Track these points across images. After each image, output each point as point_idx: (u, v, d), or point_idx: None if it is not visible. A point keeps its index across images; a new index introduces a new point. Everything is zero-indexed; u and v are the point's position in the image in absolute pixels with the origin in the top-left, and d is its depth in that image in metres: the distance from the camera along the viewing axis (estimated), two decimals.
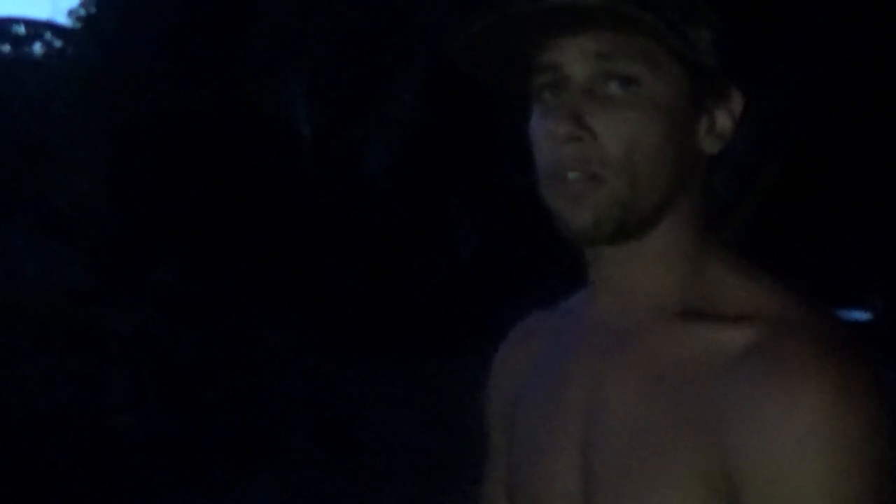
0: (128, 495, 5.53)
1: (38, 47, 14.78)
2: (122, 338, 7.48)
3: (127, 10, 9.86)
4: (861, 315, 5.73)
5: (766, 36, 4.90)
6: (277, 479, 5.78)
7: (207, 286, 8.36)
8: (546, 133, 0.96)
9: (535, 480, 1.07)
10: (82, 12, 11.84)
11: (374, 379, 7.44)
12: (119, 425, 6.40)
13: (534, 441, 1.09)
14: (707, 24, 0.96)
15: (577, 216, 0.95)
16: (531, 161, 1.00)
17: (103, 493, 5.51)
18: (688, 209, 0.99)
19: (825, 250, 6.08)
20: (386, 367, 7.62)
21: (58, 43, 14.02)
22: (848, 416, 0.84)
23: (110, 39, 9.94)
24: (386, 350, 7.80)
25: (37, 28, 14.58)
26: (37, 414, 6.26)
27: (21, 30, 14.56)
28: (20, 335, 7.34)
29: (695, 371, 0.93)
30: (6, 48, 14.58)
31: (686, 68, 0.95)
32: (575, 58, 0.95)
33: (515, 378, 1.17)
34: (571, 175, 0.95)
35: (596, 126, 0.94)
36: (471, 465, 1.38)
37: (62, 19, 13.92)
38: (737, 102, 0.99)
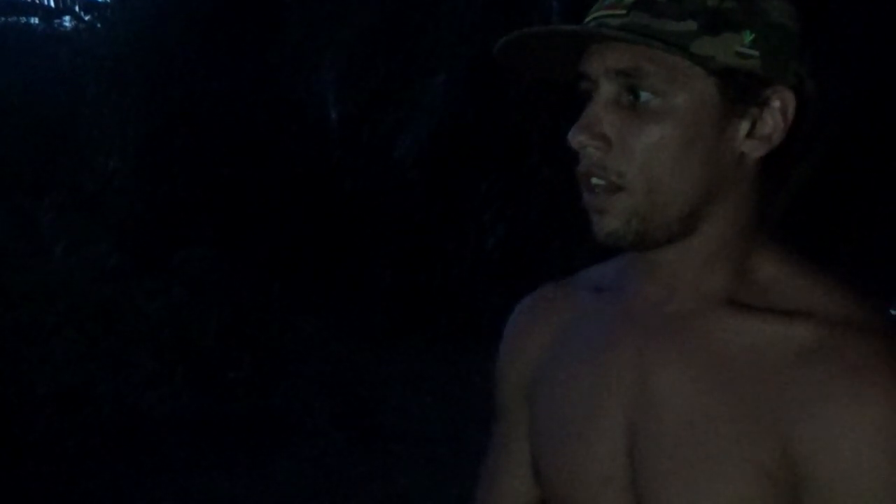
0: (150, 472, 5.56)
1: (67, 21, 14.72)
2: (148, 316, 7.51)
3: None
4: None
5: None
6: (296, 461, 5.80)
7: (234, 267, 8.38)
8: (570, 138, 0.98)
9: (574, 462, 1.06)
10: None
11: (398, 365, 7.45)
12: (143, 402, 6.44)
13: (568, 421, 1.07)
14: (748, 25, 0.94)
15: (601, 225, 0.98)
16: (559, 152, 1.04)
17: (126, 470, 5.55)
18: (733, 212, 0.99)
19: (867, 246, 6.03)
20: (410, 354, 7.61)
21: (88, 17, 13.98)
22: None
23: (142, 16, 9.93)
24: (410, 336, 7.78)
25: (66, 1, 14.53)
26: (62, 390, 6.30)
27: (51, 3, 14.52)
28: (47, 312, 7.38)
29: (751, 363, 0.94)
30: (35, 21, 14.53)
31: (715, 75, 0.94)
32: (600, 73, 0.96)
33: (535, 351, 1.16)
34: (594, 180, 0.97)
35: (613, 136, 0.95)
36: None
37: None
38: (785, 100, 0.97)
